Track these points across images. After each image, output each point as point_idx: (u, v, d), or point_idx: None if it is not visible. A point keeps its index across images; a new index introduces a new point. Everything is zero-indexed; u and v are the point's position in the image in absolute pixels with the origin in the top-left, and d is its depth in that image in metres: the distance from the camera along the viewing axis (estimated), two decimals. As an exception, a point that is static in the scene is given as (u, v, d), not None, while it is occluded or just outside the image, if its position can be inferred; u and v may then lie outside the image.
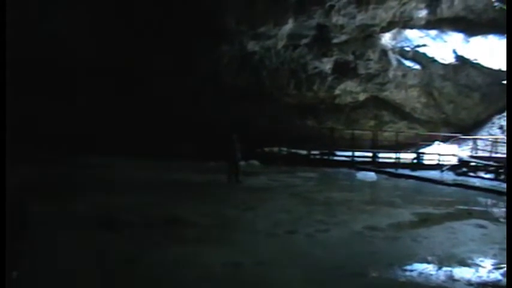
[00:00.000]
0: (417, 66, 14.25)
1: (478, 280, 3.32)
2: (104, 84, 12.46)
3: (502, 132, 13.34)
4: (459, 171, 11.36)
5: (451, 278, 3.33)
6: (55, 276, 3.01)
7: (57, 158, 9.86)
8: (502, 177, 9.81)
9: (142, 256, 3.55)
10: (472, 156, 12.60)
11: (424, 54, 13.99)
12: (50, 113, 11.75)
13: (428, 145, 13.96)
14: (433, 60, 14.05)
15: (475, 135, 14.06)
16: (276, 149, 13.88)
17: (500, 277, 3.35)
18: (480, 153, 12.94)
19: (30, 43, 10.76)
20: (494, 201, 7.28)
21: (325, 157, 13.28)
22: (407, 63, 14.19)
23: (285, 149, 14.01)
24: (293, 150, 13.97)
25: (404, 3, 12.95)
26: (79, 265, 3.23)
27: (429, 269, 3.55)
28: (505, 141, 9.71)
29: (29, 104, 10.78)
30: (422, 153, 13.19)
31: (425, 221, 5.40)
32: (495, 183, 9.40)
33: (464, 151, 13.47)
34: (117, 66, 12.34)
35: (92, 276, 3.04)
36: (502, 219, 5.48)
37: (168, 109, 13.10)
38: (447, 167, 11.92)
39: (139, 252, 3.64)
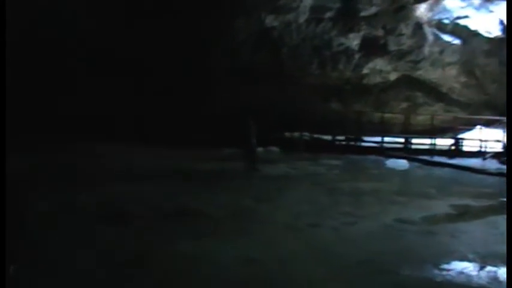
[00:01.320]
0: (457, 41, 13.52)
1: (527, 282, 3.14)
2: (110, 66, 12.58)
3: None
4: (504, 159, 10.86)
5: (495, 279, 3.18)
6: (55, 275, 3.03)
7: (59, 145, 10.06)
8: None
9: (151, 252, 3.57)
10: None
11: (465, 27, 13.22)
12: (51, 96, 11.92)
13: (468, 130, 13.39)
14: (475, 34, 13.26)
15: (522, 119, 13.33)
16: (297, 135, 13.77)
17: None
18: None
19: (31, 22, 10.91)
20: (545, 193, 6.91)
21: (352, 143, 13.11)
22: (446, 37, 13.47)
23: (307, 134, 13.87)
24: (316, 136, 13.83)
25: (443, -33, 12.23)
26: (83, 263, 3.26)
27: (470, 268, 3.41)
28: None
29: (29, 87, 10.94)
30: (461, 138, 12.70)
31: (464, 214, 5.22)
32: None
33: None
34: (123, 47, 12.40)
35: (96, 276, 3.05)
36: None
37: (179, 92, 13.16)
38: (490, 154, 11.46)
39: (148, 248, 3.67)
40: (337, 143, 13.32)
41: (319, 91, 14.09)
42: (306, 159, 10.74)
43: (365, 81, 14.25)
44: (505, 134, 11.14)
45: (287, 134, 14.46)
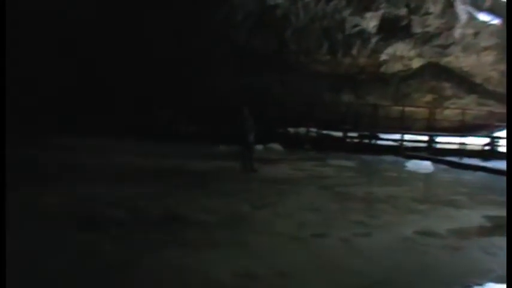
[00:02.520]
0: (496, 21, 13.37)
1: None
2: (90, 46, 12.55)
3: None
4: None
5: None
6: None
7: (28, 138, 10.11)
8: None
9: (133, 263, 3.54)
10: None
11: (507, 3, 13.15)
12: (20, 84, 12.00)
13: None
14: (518, 12, 13.22)
15: None
16: (302, 130, 13.84)
17: None
18: None
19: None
20: None
21: (366, 141, 13.17)
22: (482, 17, 13.32)
23: (314, 130, 13.93)
24: (324, 132, 13.90)
25: None
26: (52, 276, 3.22)
27: (507, 291, 3.38)
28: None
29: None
30: (498, 137, 12.71)
31: (500, 227, 5.16)
32: None
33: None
34: (104, 23, 12.37)
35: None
36: None
37: (167, 80, 13.16)
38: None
39: (130, 258, 3.64)
40: (349, 140, 13.38)
41: (328, 80, 14.09)
42: (312, 159, 10.83)
43: (383, 69, 14.26)
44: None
45: (291, 129, 14.51)
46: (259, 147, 11.20)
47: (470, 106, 14.31)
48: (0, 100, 3.33)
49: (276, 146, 12.83)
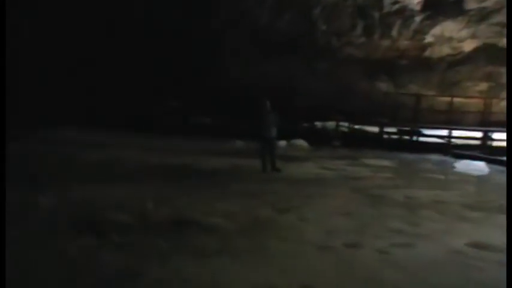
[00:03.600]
0: None
1: None
2: (91, 31, 12.85)
3: None
4: None
5: None
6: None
7: (21, 132, 10.41)
8: None
9: (138, 274, 3.57)
10: None
11: None
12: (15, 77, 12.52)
13: None
14: None
15: None
16: (331, 124, 13.73)
17: None
18: None
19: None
20: None
21: (406, 137, 12.99)
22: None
23: (345, 124, 13.82)
24: (357, 127, 13.78)
25: None
26: None
27: None
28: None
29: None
30: None
31: None
32: None
33: None
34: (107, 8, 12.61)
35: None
36: None
37: (178, 68, 13.29)
38: None
39: (135, 269, 3.67)
40: (386, 136, 13.20)
41: (363, 66, 13.92)
42: (342, 158, 10.81)
43: (428, 53, 13.98)
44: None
45: (318, 123, 14.43)
46: (282, 143, 11.21)
47: (533, 96, 13.87)
48: (0, 100, 3.44)
49: (301, 142, 12.83)
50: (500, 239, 4.86)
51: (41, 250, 4.00)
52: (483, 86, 14.32)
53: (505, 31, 13.45)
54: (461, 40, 13.84)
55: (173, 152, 10.22)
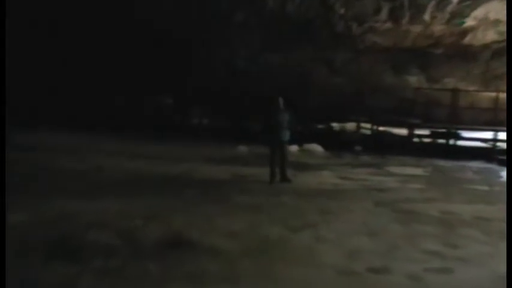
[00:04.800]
0: None
1: None
2: (72, 23, 12.93)
3: None
4: None
5: None
6: None
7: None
8: None
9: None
10: None
11: None
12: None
13: None
14: None
15: None
16: (351, 126, 13.67)
17: None
18: None
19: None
20: None
21: (442, 141, 12.90)
22: None
23: (367, 126, 13.76)
24: (382, 129, 13.72)
25: None
26: None
27: None
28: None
29: None
30: None
31: None
32: None
33: None
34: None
35: None
36: None
37: (173, 60, 13.29)
38: None
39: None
40: (417, 140, 13.14)
41: (389, 57, 13.86)
42: (365, 165, 10.79)
43: (467, 39, 13.88)
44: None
45: (335, 125, 14.39)
46: (292, 148, 11.18)
47: None
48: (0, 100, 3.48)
49: (316, 147, 12.82)
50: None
51: (7, 279, 3.94)
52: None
53: None
54: (509, 24, 13.72)
55: (166, 160, 10.22)
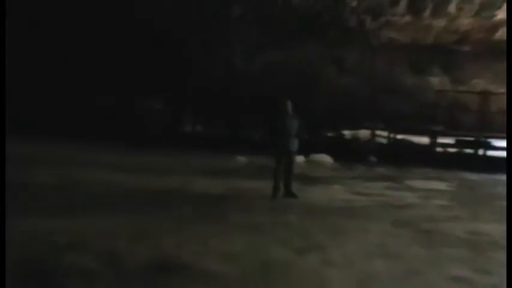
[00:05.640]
0: None
1: None
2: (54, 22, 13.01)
3: None
4: None
5: None
6: None
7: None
8: None
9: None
10: None
11: None
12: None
13: None
14: None
15: None
16: (364, 133, 13.64)
17: None
18: None
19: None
20: None
21: (469, 150, 12.86)
22: None
23: (383, 133, 13.73)
24: (400, 137, 13.70)
25: None
26: None
27: None
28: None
29: None
30: None
31: None
32: None
33: None
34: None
35: None
36: None
37: (163, 59, 13.32)
38: None
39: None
40: (441, 150, 13.11)
41: (408, 55, 13.87)
42: (381, 179, 10.80)
43: (499, 35, 13.86)
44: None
45: (346, 132, 14.38)
46: (298, 158, 11.17)
47: None
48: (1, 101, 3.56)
49: (324, 158, 12.84)
50: None
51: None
52: None
53: None
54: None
55: (155, 172, 10.25)
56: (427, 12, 13.63)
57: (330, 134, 14.07)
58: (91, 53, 13.57)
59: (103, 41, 13.43)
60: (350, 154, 12.86)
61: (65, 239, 5.56)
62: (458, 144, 13.22)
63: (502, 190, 10.42)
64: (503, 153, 12.62)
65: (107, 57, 13.55)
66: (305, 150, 11.76)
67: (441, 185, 10.41)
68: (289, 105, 8.50)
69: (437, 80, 14.29)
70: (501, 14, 13.34)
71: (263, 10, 13.48)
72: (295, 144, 8.49)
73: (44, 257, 5.01)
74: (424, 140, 13.33)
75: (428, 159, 12.46)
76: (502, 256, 5.74)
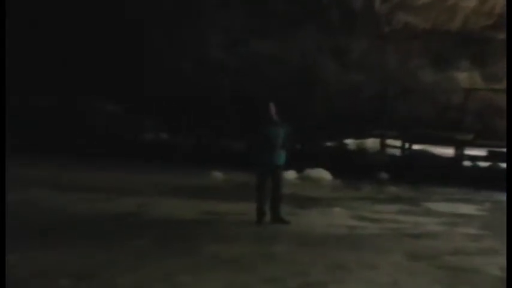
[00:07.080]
0: None
1: None
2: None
3: None
4: None
5: None
6: None
7: None
8: None
9: None
10: None
11: None
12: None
13: None
14: None
15: None
16: (373, 144, 13.73)
17: None
18: None
19: None
20: None
21: (504, 165, 12.93)
22: None
23: (396, 143, 13.82)
24: (417, 148, 13.76)
25: None
26: None
27: None
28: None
29: None
30: None
31: None
32: None
33: None
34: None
35: None
36: None
37: (118, 50, 13.34)
38: None
39: None
40: (470, 164, 13.20)
41: (427, 45, 14.00)
42: (394, 200, 10.90)
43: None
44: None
45: (350, 141, 14.43)
46: (289, 174, 11.15)
47: None
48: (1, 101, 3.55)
49: (322, 174, 12.91)
50: None
51: None
52: None
53: None
54: None
55: (109, 191, 10.24)
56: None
57: (329, 144, 14.08)
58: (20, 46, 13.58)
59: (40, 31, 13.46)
60: (354, 169, 12.90)
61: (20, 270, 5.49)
62: (491, 157, 13.30)
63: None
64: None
65: (41, 46, 13.55)
66: (298, 165, 11.78)
67: (469, 209, 10.46)
68: (272, 108, 8.51)
69: (465, 76, 14.36)
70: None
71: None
72: (281, 157, 8.51)
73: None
74: (448, 151, 13.40)
75: (453, 175, 12.51)
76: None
